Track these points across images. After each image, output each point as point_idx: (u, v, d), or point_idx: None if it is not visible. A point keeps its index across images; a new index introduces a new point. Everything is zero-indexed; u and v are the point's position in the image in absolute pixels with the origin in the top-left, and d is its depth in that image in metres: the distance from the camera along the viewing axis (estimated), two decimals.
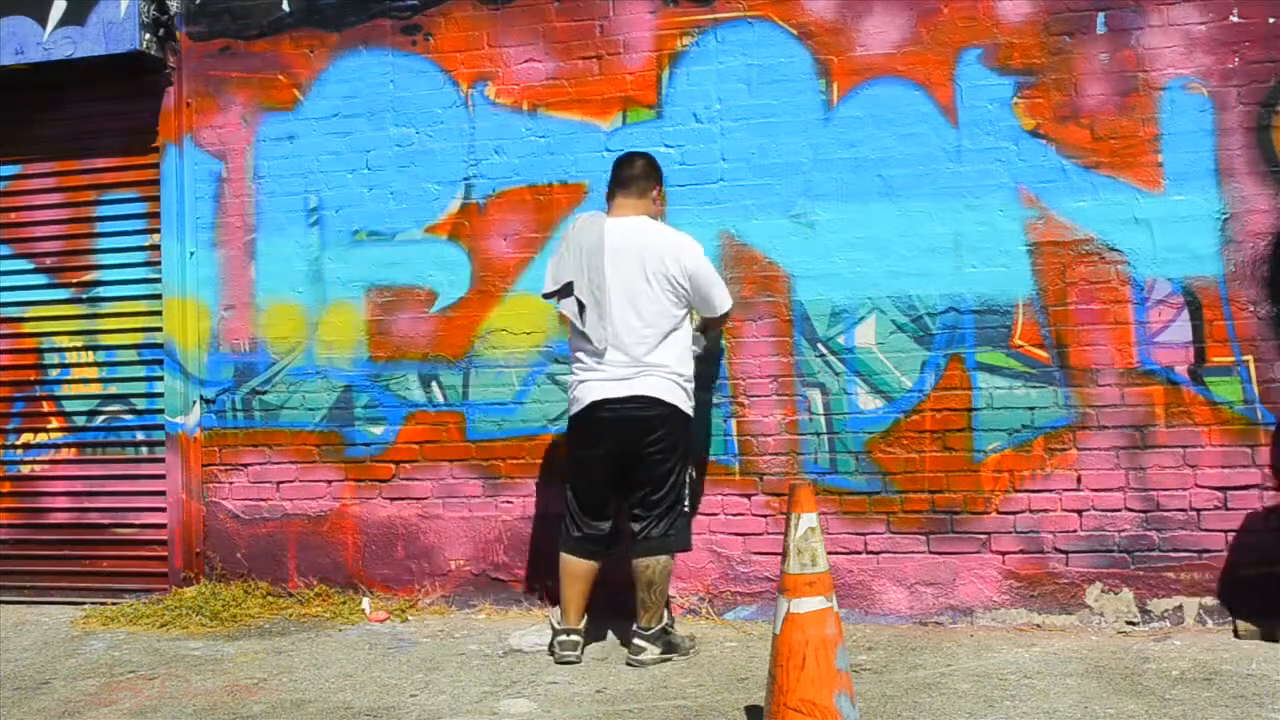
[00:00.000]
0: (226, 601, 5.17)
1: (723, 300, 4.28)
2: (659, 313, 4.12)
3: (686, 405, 4.19)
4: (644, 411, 4.09)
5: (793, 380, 4.79)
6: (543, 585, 5.03)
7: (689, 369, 4.22)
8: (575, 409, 4.22)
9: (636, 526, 4.23)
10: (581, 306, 4.16)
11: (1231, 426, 4.42)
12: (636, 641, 4.16)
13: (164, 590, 5.44)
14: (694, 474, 4.40)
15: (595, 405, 4.13)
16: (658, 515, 4.18)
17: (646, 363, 4.11)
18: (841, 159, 4.73)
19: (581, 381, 4.19)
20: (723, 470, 4.85)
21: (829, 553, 3.45)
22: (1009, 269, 4.60)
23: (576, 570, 4.26)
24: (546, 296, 4.33)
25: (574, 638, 4.23)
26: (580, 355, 4.22)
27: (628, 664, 4.15)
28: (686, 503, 4.28)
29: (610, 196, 4.32)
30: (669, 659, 4.16)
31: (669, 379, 4.13)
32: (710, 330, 4.60)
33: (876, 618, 4.67)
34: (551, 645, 4.27)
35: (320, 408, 5.33)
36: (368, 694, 3.89)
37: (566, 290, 4.21)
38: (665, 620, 4.23)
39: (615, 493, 4.26)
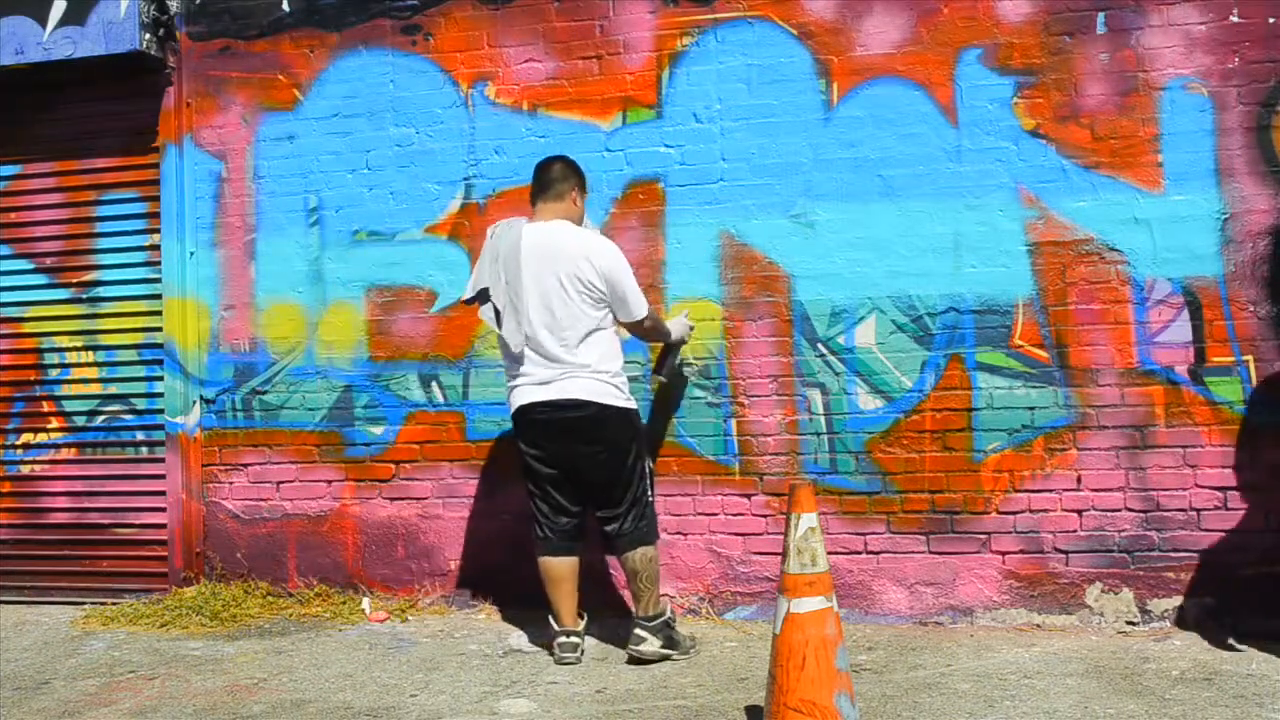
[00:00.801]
0: (226, 601, 5.18)
1: (638, 304, 4.19)
2: (575, 315, 4.09)
3: (620, 400, 4.16)
4: (576, 413, 4.09)
5: (793, 380, 4.79)
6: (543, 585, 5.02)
7: (614, 364, 4.18)
8: (511, 411, 4.25)
9: (605, 526, 4.24)
10: (498, 312, 4.17)
11: (1231, 426, 4.41)
12: (638, 631, 4.15)
13: (164, 590, 5.44)
14: (651, 465, 4.37)
15: (527, 408, 4.15)
16: (623, 512, 4.18)
17: (567, 364, 4.09)
18: (841, 159, 4.73)
19: (514, 386, 4.20)
20: (723, 470, 4.85)
21: (829, 553, 3.45)
22: (1009, 269, 4.60)
23: (557, 571, 4.26)
24: (466, 302, 4.36)
25: (573, 639, 4.22)
26: (506, 360, 4.25)
27: (628, 653, 4.14)
28: (650, 493, 4.28)
29: (532, 202, 4.30)
30: (669, 655, 4.16)
31: (593, 378, 4.10)
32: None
33: (876, 618, 4.67)
34: (551, 648, 4.27)
35: (320, 408, 5.34)
36: (368, 694, 3.89)
37: (483, 296, 4.21)
38: (668, 614, 4.23)
39: (572, 489, 4.25)
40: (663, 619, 4.20)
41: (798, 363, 4.78)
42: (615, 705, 3.68)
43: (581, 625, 4.30)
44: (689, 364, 4.88)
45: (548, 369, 4.11)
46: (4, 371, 5.82)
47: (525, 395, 4.15)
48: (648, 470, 4.30)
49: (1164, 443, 4.47)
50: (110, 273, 5.66)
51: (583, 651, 4.26)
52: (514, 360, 4.18)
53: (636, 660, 4.13)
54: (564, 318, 4.09)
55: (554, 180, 4.26)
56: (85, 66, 5.46)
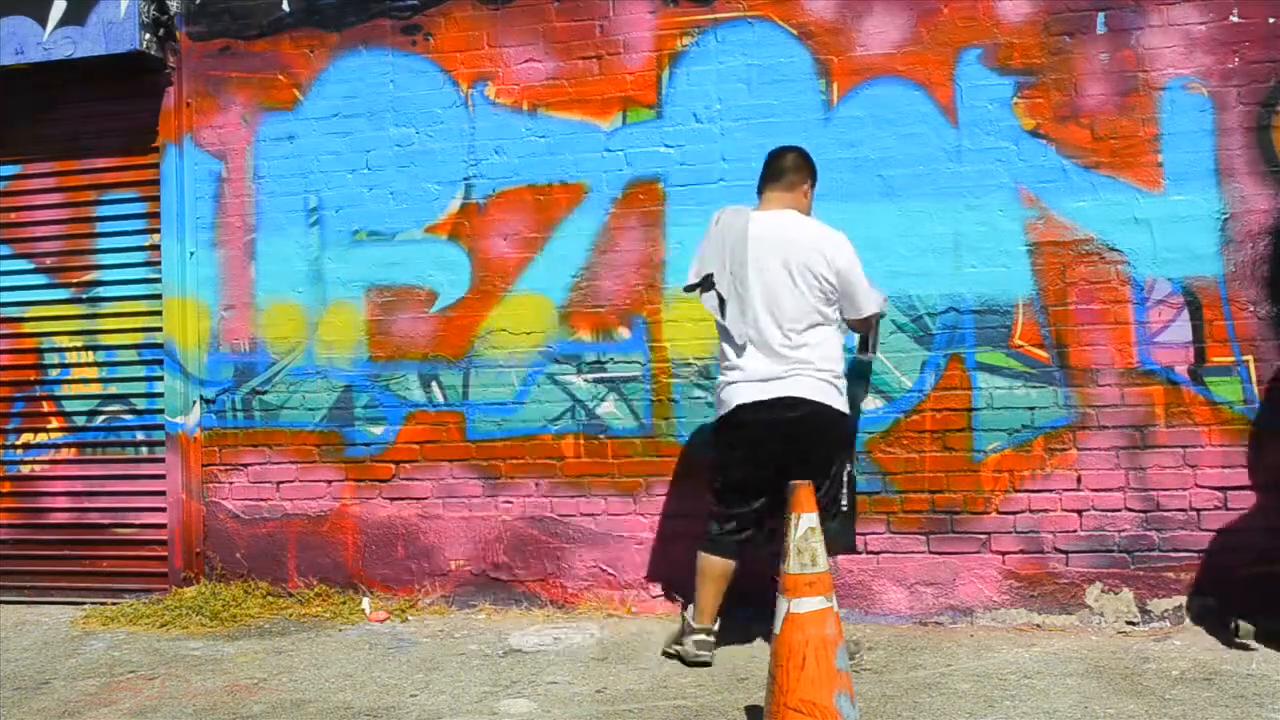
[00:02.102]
0: (226, 601, 5.17)
1: (867, 302, 4.06)
2: (803, 309, 3.93)
3: (838, 403, 3.99)
4: (792, 413, 3.91)
5: None
6: (543, 585, 5.03)
7: (839, 365, 4.02)
8: (722, 411, 4.06)
9: None
10: (722, 301, 3.99)
11: (1231, 426, 4.42)
12: None
13: (164, 590, 5.44)
14: (854, 473, 4.23)
15: (741, 409, 3.97)
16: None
17: (791, 360, 3.92)
18: (841, 159, 4.73)
19: (729, 383, 4.02)
20: None
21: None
22: (1009, 269, 4.60)
23: (718, 570, 4.10)
24: (687, 289, 4.16)
25: (709, 637, 4.11)
26: (726, 350, 4.05)
27: None
28: (846, 502, 4.11)
29: (760, 190, 4.15)
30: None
31: (816, 377, 3.93)
32: (869, 346, 4.36)
33: (876, 618, 4.67)
34: (683, 642, 4.13)
35: (320, 408, 5.34)
36: (368, 694, 3.89)
37: (707, 283, 4.03)
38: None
39: (763, 495, 4.07)
40: None
41: None
42: (615, 705, 3.68)
43: (716, 625, 4.15)
44: (689, 364, 4.88)
45: (769, 365, 3.94)
46: (4, 371, 5.82)
47: (743, 393, 3.97)
48: (849, 479, 4.15)
49: (1164, 443, 4.47)
50: (110, 273, 5.66)
51: (714, 651, 4.13)
52: (735, 351, 4.00)
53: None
54: (791, 310, 3.94)
55: (786, 170, 4.11)
56: (85, 66, 5.46)
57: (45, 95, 5.69)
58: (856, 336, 4.37)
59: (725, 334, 4.05)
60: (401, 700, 3.80)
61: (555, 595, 5.01)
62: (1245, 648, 4.08)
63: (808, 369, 3.94)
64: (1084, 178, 4.55)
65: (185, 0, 5.54)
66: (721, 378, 4.10)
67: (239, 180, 5.46)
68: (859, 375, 4.66)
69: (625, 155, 4.98)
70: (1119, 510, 4.50)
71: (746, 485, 4.07)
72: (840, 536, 4.13)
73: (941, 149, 4.67)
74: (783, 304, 3.95)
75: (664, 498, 4.90)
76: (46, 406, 5.75)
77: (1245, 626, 4.19)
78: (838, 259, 3.97)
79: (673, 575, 4.86)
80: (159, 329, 5.53)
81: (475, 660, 4.30)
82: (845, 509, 4.15)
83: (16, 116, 5.74)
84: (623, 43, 5.00)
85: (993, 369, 4.61)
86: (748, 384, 3.97)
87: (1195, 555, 4.43)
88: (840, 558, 4.62)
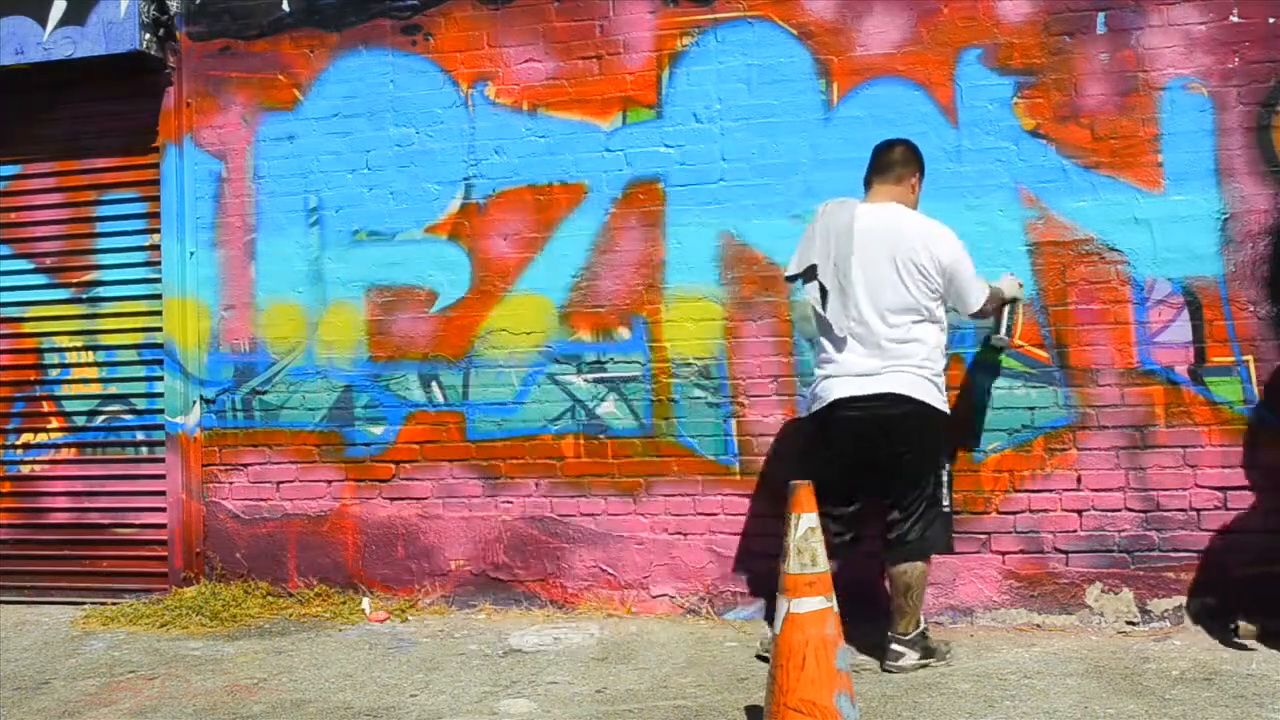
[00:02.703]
0: (226, 601, 5.18)
1: (977, 296, 3.97)
2: (907, 304, 3.86)
3: (938, 401, 3.90)
4: (891, 410, 3.82)
5: (793, 380, 4.78)
6: (543, 585, 5.03)
7: (939, 363, 3.94)
8: (816, 406, 3.98)
9: (892, 529, 3.97)
10: (825, 292, 3.92)
11: (1231, 426, 4.42)
12: (894, 647, 3.94)
13: (164, 590, 5.44)
14: (951, 472, 4.14)
15: (837, 404, 3.89)
16: (915, 517, 3.93)
17: (892, 356, 3.84)
18: (841, 159, 4.72)
19: (826, 377, 3.94)
20: (723, 470, 4.85)
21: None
22: (1009, 269, 4.59)
23: None
24: (789, 279, 4.09)
25: None
26: (824, 343, 3.98)
27: (884, 669, 3.92)
28: (946, 502, 4.02)
29: (867, 183, 4.10)
30: (927, 664, 3.96)
31: (916, 374, 3.85)
32: (1001, 328, 4.28)
33: (877, 618, 4.66)
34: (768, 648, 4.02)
35: (320, 408, 5.34)
36: (368, 694, 3.89)
37: (810, 274, 3.96)
38: (923, 624, 4.03)
39: (860, 494, 4.02)
40: (919, 630, 3.99)
41: (798, 363, 4.78)
42: (615, 705, 3.68)
43: None
44: (689, 364, 4.88)
45: (868, 359, 3.86)
46: (4, 371, 5.82)
47: (840, 388, 3.89)
48: (947, 478, 4.06)
49: (1164, 443, 4.46)
50: (110, 273, 5.66)
51: None
52: (834, 345, 3.92)
53: (893, 673, 3.91)
54: (895, 304, 3.86)
55: (894, 163, 4.06)
56: (85, 66, 5.46)
57: (45, 95, 5.69)
58: (993, 321, 4.29)
59: (825, 327, 3.96)
60: (401, 700, 3.80)
61: (555, 595, 5.01)
62: (1244, 647, 4.08)
63: (908, 365, 3.85)
64: (1084, 178, 4.55)
65: (185, 0, 5.54)
66: (818, 371, 4.03)
67: (239, 180, 5.46)
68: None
69: (625, 155, 4.98)
70: (1119, 510, 4.50)
71: (842, 484, 3.99)
72: (941, 536, 4.05)
73: (941, 149, 4.67)
74: (887, 298, 3.87)
75: (663, 497, 4.90)
76: (46, 406, 5.75)
77: (1247, 626, 4.19)
78: (942, 254, 3.90)
79: (674, 575, 4.86)
80: (159, 329, 5.54)
81: (475, 660, 4.30)
82: (946, 509, 4.06)
83: (16, 116, 5.74)
84: (623, 43, 5.00)
85: (993, 369, 4.61)
86: (846, 378, 3.89)
87: (1195, 555, 4.42)
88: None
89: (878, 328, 3.87)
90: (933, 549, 4.02)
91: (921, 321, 3.91)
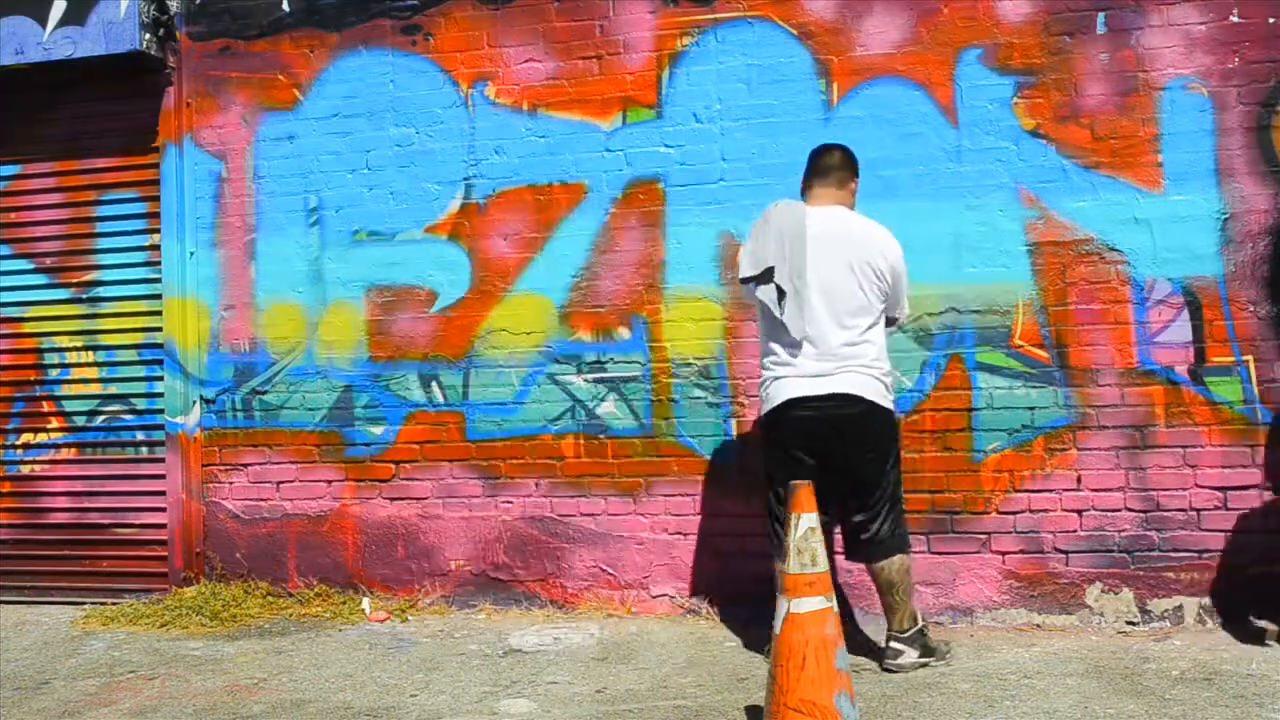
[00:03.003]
0: (226, 601, 5.18)
1: (906, 303, 4.09)
2: (862, 306, 3.89)
3: (887, 400, 3.94)
4: (845, 410, 3.85)
5: None
6: (543, 585, 5.03)
7: (887, 363, 3.98)
8: (767, 407, 3.98)
9: (861, 531, 3.98)
10: (781, 294, 3.90)
11: (1231, 426, 4.42)
12: (893, 645, 3.95)
13: (164, 590, 5.44)
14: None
15: (790, 404, 3.89)
16: (882, 515, 3.95)
17: (844, 357, 3.86)
18: None
19: (776, 378, 3.94)
20: (723, 470, 4.85)
21: (829, 553, 3.44)
22: (1009, 269, 4.60)
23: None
24: (744, 281, 4.08)
25: None
26: (774, 347, 3.96)
27: (884, 669, 3.93)
28: (902, 499, 4.07)
29: (806, 187, 4.09)
30: (926, 663, 3.96)
31: (866, 373, 3.88)
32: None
33: (877, 618, 4.66)
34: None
35: (320, 408, 5.34)
36: (368, 694, 3.89)
37: (766, 276, 3.93)
38: (921, 621, 4.03)
39: (824, 493, 3.91)
40: (917, 628, 3.99)
41: None
42: (615, 705, 3.68)
43: None
44: (689, 364, 4.88)
45: (821, 361, 3.87)
46: (4, 371, 5.82)
47: (793, 388, 3.89)
48: (900, 475, 4.09)
49: (1164, 443, 4.47)
50: (110, 273, 5.66)
51: None
52: (787, 347, 3.92)
53: (893, 671, 3.91)
54: (851, 308, 3.89)
55: (835, 167, 4.08)
56: (85, 66, 5.46)
57: (45, 95, 5.69)
58: None
59: (777, 330, 3.94)
60: (401, 700, 3.80)
61: (555, 595, 5.01)
62: (1261, 641, 4.06)
63: (858, 365, 3.88)
64: (1084, 178, 4.55)
65: (185, 0, 5.54)
66: (767, 373, 4.01)
67: (239, 180, 5.46)
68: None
69: (625, 155, 4.98)
70: (1119, 510, 4.50)
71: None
72: (905, 534, 4.06)
73: (941, 149, 4.67)
74: (843, 302, 3.89)
75: (664, 498, 4.90)
76: (46, 406, 5.75)
77: (1271, 627, 4.16)
78: (891, 255, 3.95)
79: (674, 575, 4.86)
80: (159, 329, 5.54)
81: (475, 660, 4.30)
82: (902, 506, 4.08)
83: (16, 116, 5.74)
84: (623, 43, 5.00)
85: (993, 369, 4.61)
86: (799, 379, 3.90)
87: (1195, 555, 4.42)
88: (841, 558, 4.62)
89: (832, 332, 3.89)
90: (905, 542, 4.04)
91: (874, 325, 3.94)
